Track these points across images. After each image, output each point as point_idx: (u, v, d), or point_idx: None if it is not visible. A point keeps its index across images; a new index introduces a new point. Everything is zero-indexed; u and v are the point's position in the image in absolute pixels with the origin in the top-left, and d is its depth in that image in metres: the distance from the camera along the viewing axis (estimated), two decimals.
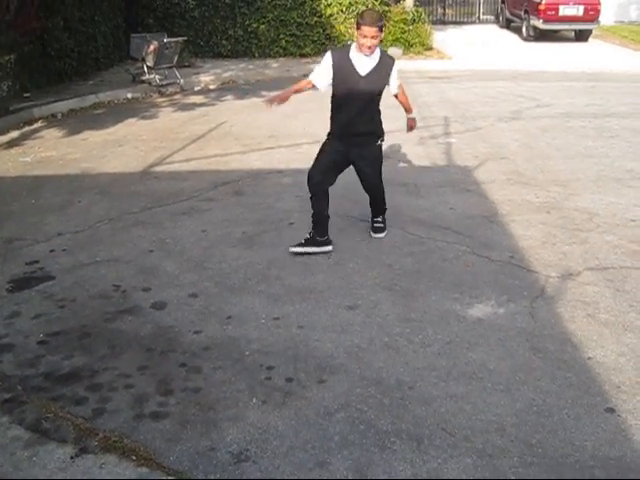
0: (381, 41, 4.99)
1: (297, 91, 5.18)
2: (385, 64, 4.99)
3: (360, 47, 4.83)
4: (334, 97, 5.08)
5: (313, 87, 5.13)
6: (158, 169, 7.65)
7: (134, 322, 4.29)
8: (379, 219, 5.59)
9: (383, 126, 5.22)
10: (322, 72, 5.02)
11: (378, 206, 5.55)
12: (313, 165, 5.21)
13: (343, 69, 4.91)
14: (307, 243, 5.25)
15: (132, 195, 6.75)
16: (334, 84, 4.99)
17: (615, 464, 2.99)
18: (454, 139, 8.76)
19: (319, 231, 5.25)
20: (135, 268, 5.07)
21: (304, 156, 7.78)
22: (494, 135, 8.92)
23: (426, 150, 8.17)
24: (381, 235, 5.54)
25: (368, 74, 4.91)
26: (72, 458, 3.04)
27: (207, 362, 3.82)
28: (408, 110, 5.45)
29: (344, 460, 3.04)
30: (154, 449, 3.12)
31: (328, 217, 5.28)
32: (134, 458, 3.04)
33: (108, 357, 3.90)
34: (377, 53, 4.92)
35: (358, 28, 4.81)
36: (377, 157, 5.30)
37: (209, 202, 6.50)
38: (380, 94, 5.08)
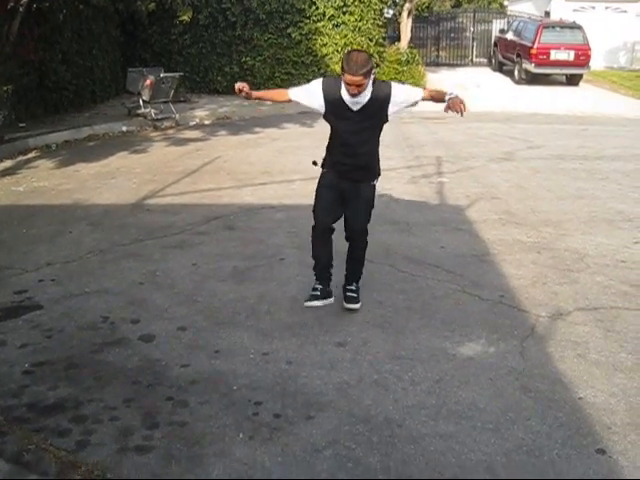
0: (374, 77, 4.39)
1: (270, 98, 5.04)
2: (380, 95, 4.36)
3: (347, 89, 4.29)
4: (331, 129, 4.63)
5: (289, 101, 4.74)
6: (151, 202, 7.66)
7: (121, 354, 4.24)
8: (353, 287, 4.85)
9: (380, 165, 4.75)
10: (306, 92, 4.57)
11: (355, 267, 4.86)
12: (314, 205, 4.74)
13: (334, 101, 4.39)
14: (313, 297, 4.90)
15: (123, 227, 6.73)
16: (326, 115, 4.53)
17: None
18: (446, 178, 8.81)
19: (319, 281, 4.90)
20: (124, 300, 5.03)
21: (297, 192, 7.84)
22: (486, 175, 8.98)
23: (418, 189, 8.21)
24: (356, 306, 4.80)
25: (361, 109, 4.36)
26: None
27: (194, 396, 3.77)
28: (440, 98, 4.56)
29: None
30: None
31: (330, 266, 4.88)
32: None
33: (94, 389, 3.84)
34: (369, 86, 4.31)
35: (342, 73, 4.23)
36: (369, 198, 4.67)
37: (201, 236, 6.49)
38: (379, 129, 4.57)
